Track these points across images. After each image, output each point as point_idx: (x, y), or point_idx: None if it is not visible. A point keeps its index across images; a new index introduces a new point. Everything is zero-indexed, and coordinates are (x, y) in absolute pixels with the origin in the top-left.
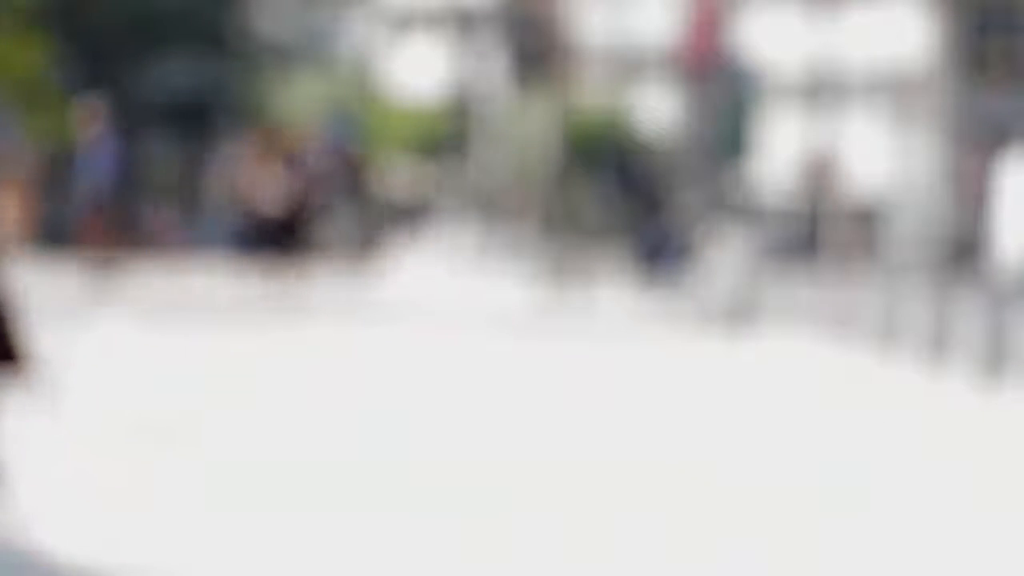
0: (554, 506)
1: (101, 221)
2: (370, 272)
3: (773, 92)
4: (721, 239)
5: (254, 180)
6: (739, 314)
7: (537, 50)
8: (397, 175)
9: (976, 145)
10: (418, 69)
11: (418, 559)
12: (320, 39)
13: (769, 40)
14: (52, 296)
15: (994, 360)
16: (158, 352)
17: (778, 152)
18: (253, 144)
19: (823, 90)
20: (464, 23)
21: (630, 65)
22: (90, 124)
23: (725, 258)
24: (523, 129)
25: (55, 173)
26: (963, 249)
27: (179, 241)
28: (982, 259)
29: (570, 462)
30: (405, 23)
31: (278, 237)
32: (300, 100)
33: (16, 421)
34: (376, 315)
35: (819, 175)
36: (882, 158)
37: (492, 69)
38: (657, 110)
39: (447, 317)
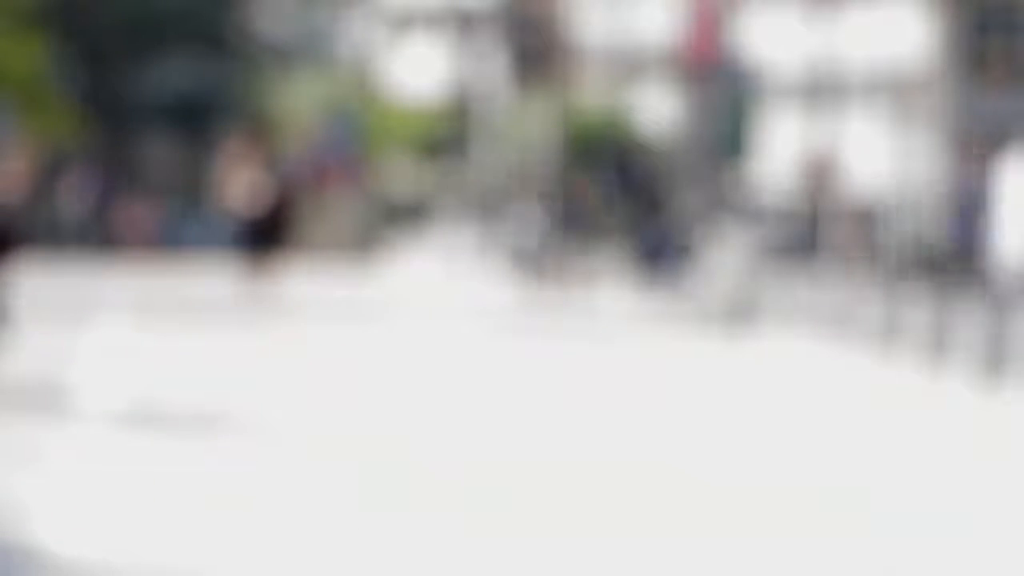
0: (554, 506)
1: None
2: (370, 271)
3: (773, 92)
4: (721, 239)
5: (235, 182)
6: (739, 314)
7: (537, 50)
8: (397, 175)
9: (976, 145)
10: (418, 69)
11: (417, 559)
12: (320, 39)
13: (769, 40)
14: (53, 296)
15: (994, 360)
16: (157, 351)
17: (778, 152)
18: (235, 146)
19: (823, 90)
20: (464, 23)
21: (630, 65)
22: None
23: (725, 258)
24: (523, 129)
25: (54, 174)
26: (963, 250)
27: (153, 235)
28: (982, 259)
29: (569, 462)
30: (405, 23)
31: (259, 237)
32: (300, 100)
33: (17, 421)
34: (376, 314)
35: (819, 175)
36: (882, 158)
37: (492, 69)
38: (657, 110)
39: (446, 316)
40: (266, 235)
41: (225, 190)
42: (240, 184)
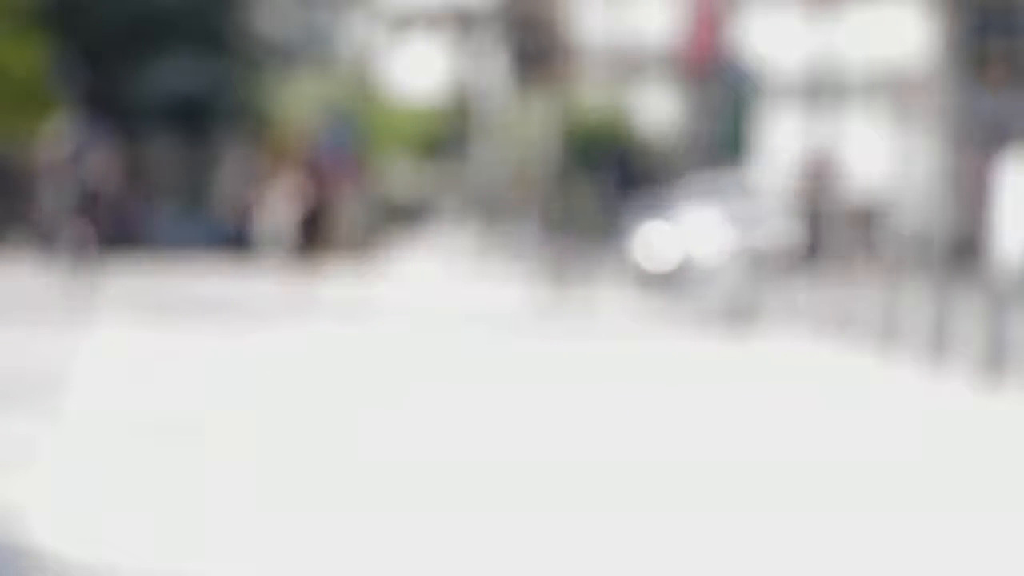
0: (555, 507)
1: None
2: (371, 271)
3: (773, 92)
4: (721, 239)
5: (274, 188)
6: (739, 314)
7: (537, 50)
8: (397, 175)
9: (976, 145)
10: (418, 69)
11: (418, 560)
12: (320, 39)
13: (769, 40)
14: (54, 296)
15: (994, 360)
16: (157, 351)
17: (778, 152)
18: (267, 155)
19: (823, 90)
20: (464, 23)
21: (630, 65)
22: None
23: (725, 258)
24: (523, 129)
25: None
26: (963, 249)
27: (154, 235)
28: (982, 259)
29: (570, 462)
30: (405, 23)
31: (303, 239)
32: (300, 100)
33: (17, 421)
34: (376, 314)
35: (819, 175)
36: (882, 158)
37: (492, 69)
38: (657, 110)
39: (446, 317)
40: (311, 236)
41: (269, 196)
42: (282, 189)
